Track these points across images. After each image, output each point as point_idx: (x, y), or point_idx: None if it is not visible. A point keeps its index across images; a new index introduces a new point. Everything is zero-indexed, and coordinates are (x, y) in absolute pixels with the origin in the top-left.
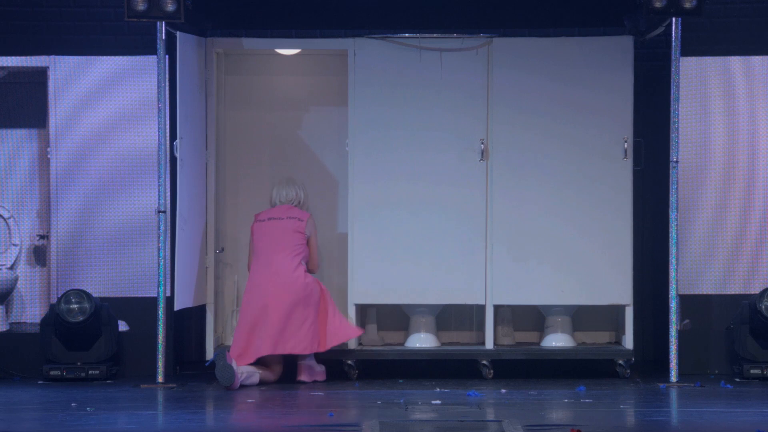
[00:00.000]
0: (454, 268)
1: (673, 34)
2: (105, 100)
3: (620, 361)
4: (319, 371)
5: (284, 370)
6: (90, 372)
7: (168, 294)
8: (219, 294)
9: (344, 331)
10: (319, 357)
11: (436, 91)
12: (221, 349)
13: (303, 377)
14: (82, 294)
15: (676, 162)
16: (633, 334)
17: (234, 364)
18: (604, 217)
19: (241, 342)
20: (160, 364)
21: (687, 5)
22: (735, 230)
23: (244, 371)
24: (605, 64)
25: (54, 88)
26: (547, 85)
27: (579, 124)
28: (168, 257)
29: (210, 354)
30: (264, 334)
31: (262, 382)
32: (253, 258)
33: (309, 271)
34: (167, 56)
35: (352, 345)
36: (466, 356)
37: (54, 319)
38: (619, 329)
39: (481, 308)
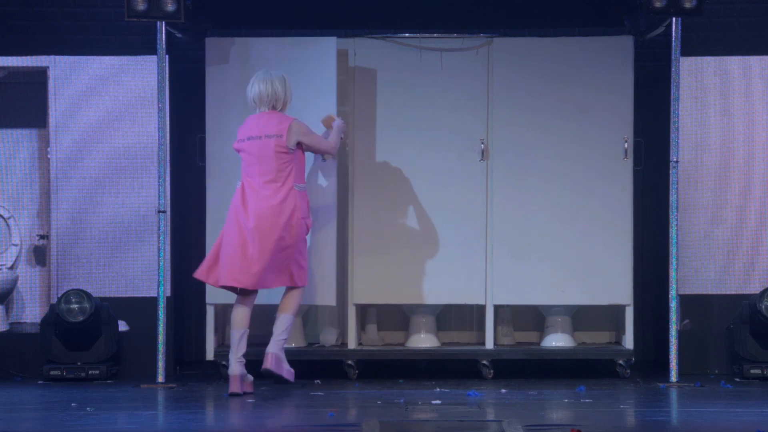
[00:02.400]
0: (454, 268)
1: (673, 34)
2: (105, 100)
3: (620, 361)
4: (287, 369)
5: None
6: (90, 372)
7: (168, 294)
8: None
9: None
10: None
11: (436, 91)
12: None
13: (269, 365)
14: (82, 294)
15: (676, 162)
16: (633, 334)
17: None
18: (604, 217)
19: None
20: (160, 364)
21: (687, 5)
22: (735, 230)
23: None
24: (605, 64)
25: (54, 88)
26: (547, 85)
27: (579, 123)
28: (168, 257)
29: (210, 354)
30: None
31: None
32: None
33: (328, 154)
34: (167, 56)
35: (352, 345)
36: (466, 356)
37: (54, 319)
38: (619, 329)
39: (481, 308)
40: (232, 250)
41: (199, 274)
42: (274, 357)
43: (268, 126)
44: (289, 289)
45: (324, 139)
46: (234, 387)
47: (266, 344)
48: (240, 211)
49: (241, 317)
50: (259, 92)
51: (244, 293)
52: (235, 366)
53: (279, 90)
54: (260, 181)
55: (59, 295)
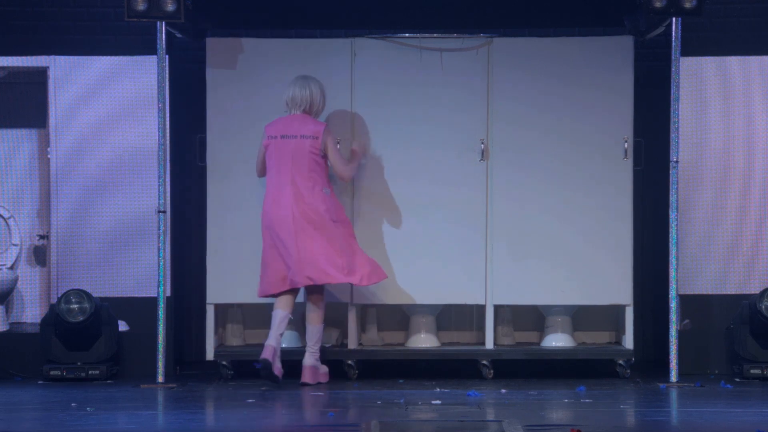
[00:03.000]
0: (454, 268)
1: (673, 34)
2: (105, 100)
3: (620, 361)
4: (323, 372)
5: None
6: (90, 372)
7: (168, 294)
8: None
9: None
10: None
11: (436, 91)
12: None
13: (306, 379)
14: (82, 294)
15: (676, 162)
16: (633, 334)
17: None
18: (604, 217)
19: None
20: (160, 364)
21: (687, 5)
22: (735, 230)
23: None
24: (605, 64)
25: (54, 88)
26: (547, 85)
27: (579, 124)
28: (168, 257)
29: (210, 354)
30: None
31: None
32: (266, 177)
33: (341, 178)
34: (167, 56)
35: (352, 345)
36: (466, 356)
37: (54, 319)
38: (619, 329)
39: (481, 308)
40: (277, 253)
41: (264, 291)
42: (311, 370)
43: (304, 127)
44: (312, 301)
45: (344, 160)
46: (267, 353)
47: (264, 345)
48: (273, 216)
49: (285, 302)
50: (293, 95)
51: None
52: (272, 339)
53: (316, 95)
54: (291, 180)
55: (59, 295)
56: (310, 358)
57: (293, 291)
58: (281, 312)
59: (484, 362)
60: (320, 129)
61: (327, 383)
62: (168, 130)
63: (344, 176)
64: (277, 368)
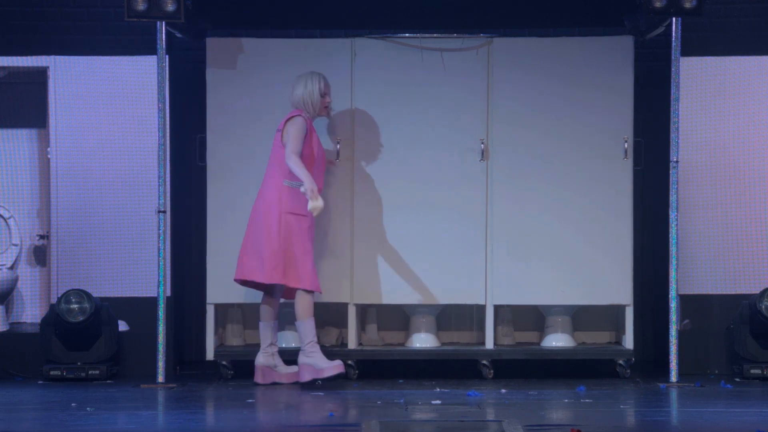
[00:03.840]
0: (454, 268)
1: (673, 34)
2: (105, 100)
3: (620, 361)
4: (326, 367)
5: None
6: (90, 372)
7: (168, 294)
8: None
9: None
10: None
11: (436, 91)
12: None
13: (300, 378)
14: (82, 294)
15: (676, 162)
16: (633, 334)
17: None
18: (604, 217)
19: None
20: (160, 364)
21: (687, 5)
22: (735, 230)
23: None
24: (605, 64)
25: (54, 88)
26: (547, 85)
27: (579, 124)
28: (168, 257)
29: (210, 354)
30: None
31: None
32: None
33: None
34: (167, 56)
35: (352, 345)
36: (466, 356)
37: (54, 319)
38: (619, 329)
39: (481, 308)
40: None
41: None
42: (303, 369)
43: (281, 122)
44: (297, 293)
45: (294, 146)
46: (256, 377)
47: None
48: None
49: (263, 312)
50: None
51: (265, 289)
52: (259, 356)
53: (297, 92)
54: (265, 172)
55: (59, 295)
56: (301, 357)
57: (269, 298)
58: (261, 323)
59: (484, 362)
60: (284, 121)
61: (327, 383)
62: (168, 130)
63: (288, 156)
64: (279, 375)
